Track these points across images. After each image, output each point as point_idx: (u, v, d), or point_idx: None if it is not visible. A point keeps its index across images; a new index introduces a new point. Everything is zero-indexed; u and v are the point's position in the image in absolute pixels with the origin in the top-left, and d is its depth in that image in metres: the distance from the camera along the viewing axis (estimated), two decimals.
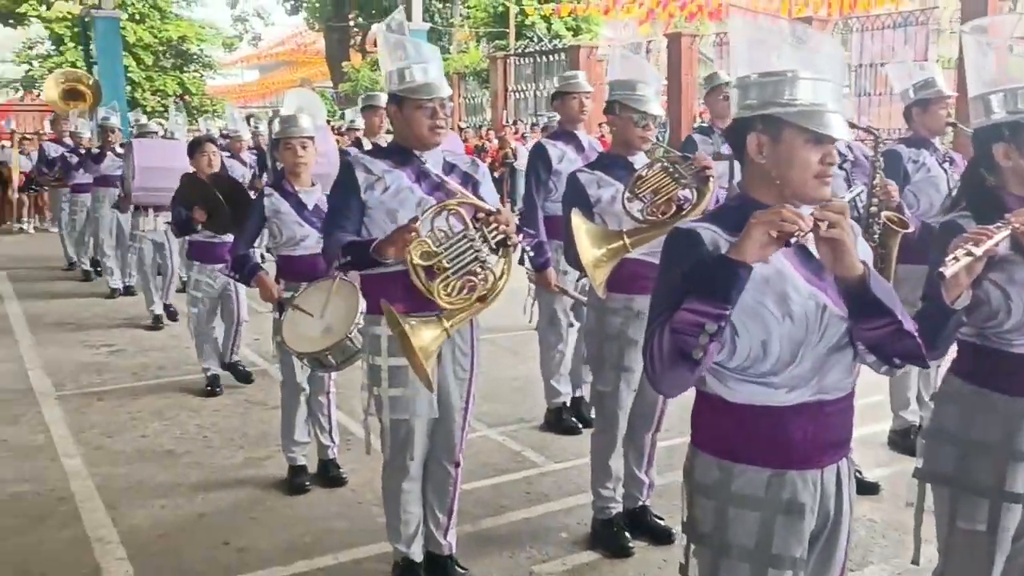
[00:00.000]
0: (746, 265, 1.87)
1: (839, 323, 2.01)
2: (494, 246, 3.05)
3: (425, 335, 2.98)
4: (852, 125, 2.78)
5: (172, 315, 8.47)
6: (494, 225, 3.04)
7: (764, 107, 1.97)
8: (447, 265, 3.02)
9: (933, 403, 2.67)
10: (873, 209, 3.98)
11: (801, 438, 2.01)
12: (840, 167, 4.03)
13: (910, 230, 4.02)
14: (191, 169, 6.13)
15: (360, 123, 8.11)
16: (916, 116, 4.68)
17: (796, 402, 2.00)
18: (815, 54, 1.99)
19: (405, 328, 2.95)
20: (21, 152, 16.03)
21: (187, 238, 6.31)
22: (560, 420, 5.36)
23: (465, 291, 3.05)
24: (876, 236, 3.95)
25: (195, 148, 6.22)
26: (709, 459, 2.08)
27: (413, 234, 2.97)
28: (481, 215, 3.08)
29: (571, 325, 5.40)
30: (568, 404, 5.42)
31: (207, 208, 5.73)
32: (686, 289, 1.91)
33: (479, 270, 3.05)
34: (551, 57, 20.84)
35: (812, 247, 1.98)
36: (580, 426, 5.27)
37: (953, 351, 2.55)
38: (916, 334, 1.99)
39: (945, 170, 4.65)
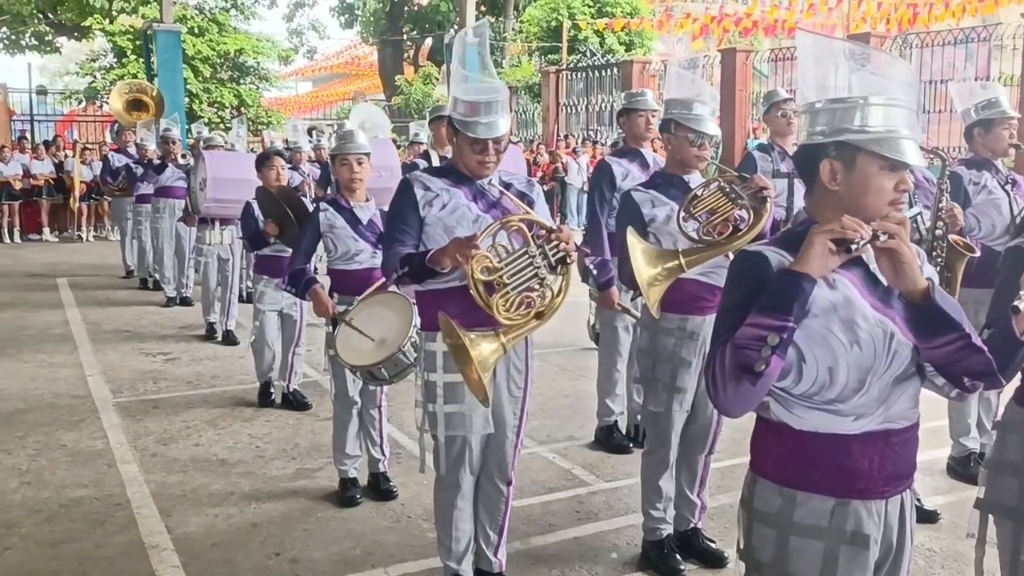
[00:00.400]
0: (808, 276, 1.86)
1: (906, 351, 1.98)
2: (554, 263, 3.05)
3: (484, 348, 2.99)
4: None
5: (231, 341, 8.18)
6: (555, 243, 3.05)
7: (837, 133, 1.94)
8: (507, 281, 3.02)
9: (995, 432, 2.60)
10: (938, 232, 3.91)
11: (867, 467, 1.98)
12: None
13: (976, 254, 3.94)
14: (259, 182, 6.13)
15: (423, 137, 8.11)
16: (978, 137, 4.60)
17: (862, 430, 1.97)
18: (887, 78, 1.96)
19: (465, 340, 2.95)
20: (82, 162, 16.42)
21: (255, 252, 6.24)
22: (611, 438, 5.33)
23: (523, 307, 3.05)
24: (941, 259, 3.88)
25: (263, 161, 6.16)
26: (771, 486, 2.05)
27: (474, 250, 2.97)
28: (542, 232, 3.09)
29: None
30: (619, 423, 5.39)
31: (279, 222, 5.73)
32: (750, 307, 1.90)
33: (537, 287, 3.05)
34: (603, 72, 20.82)
35: (879, 273, 1.96)
36: (630, 444, 5.24)
37: (1016, 380, 2.49)
38: (986, 349, 1.95)
39: (1007, 192, 4.56)
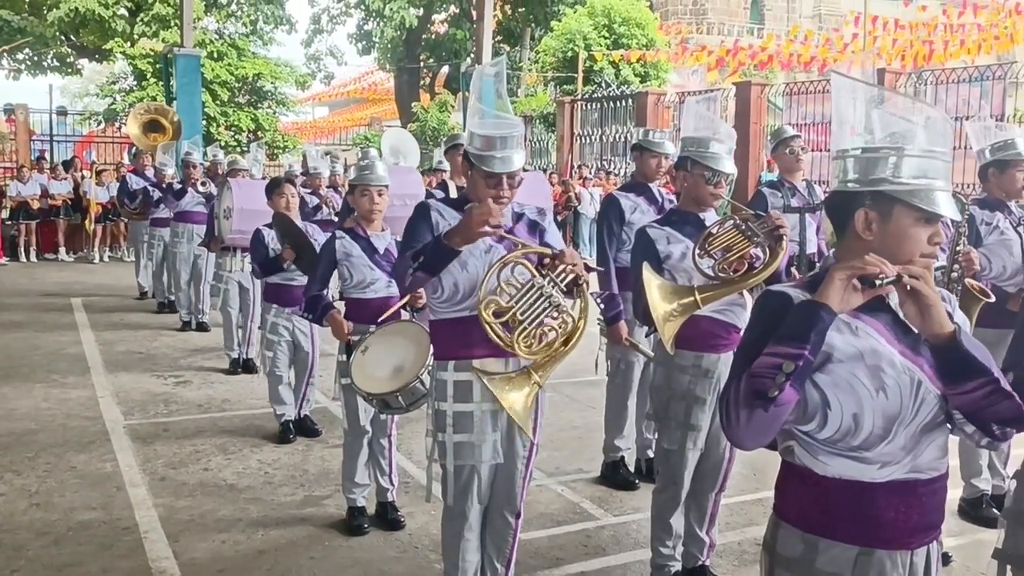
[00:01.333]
0: (827, 307, 1.86)
1: (935, 400, 1.97)
2: (565, 288, 3.05)
3: (514, 397, 2.99)
4: None
5: (250, 369, 8.05)
6: (561, 267, 3.05)
7: (875, 184, 1.94)
8: (521, 317, 3.02)
9: (1014, 482, 2.58)
10: (954, 275, 3.90)
11: (892, 517, 1.96)
12: None
13: (991, 299, 3.93)
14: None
15: (446, 164, 8.07)
16: (992, 177, 4.60)
17: (888, 479, 1.96)
18: (923, 127, 1.95)
19: (495, 392, 2.96)
20: (98, 184, 16.52)
21: (264, 280, 6.14)
22: (616, 474, 5.30)
23: (543, 340, 3.05)
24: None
25: (273, 188, 6.07)
26: (793, 532, 2.03)
27: (489, 210, 2.99)
28: (547, 260, 3.10)
29: None
30: (625, 459, 5.36)
31: (296, 247, 5.68)
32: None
33: (556, 315, 3.05)
34: (618, 103, 20.90)
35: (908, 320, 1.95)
36: (636, 481, 5.22)
37: None
38: (1015, 395, 1.93)
39: (1020, 234, 4.55)
